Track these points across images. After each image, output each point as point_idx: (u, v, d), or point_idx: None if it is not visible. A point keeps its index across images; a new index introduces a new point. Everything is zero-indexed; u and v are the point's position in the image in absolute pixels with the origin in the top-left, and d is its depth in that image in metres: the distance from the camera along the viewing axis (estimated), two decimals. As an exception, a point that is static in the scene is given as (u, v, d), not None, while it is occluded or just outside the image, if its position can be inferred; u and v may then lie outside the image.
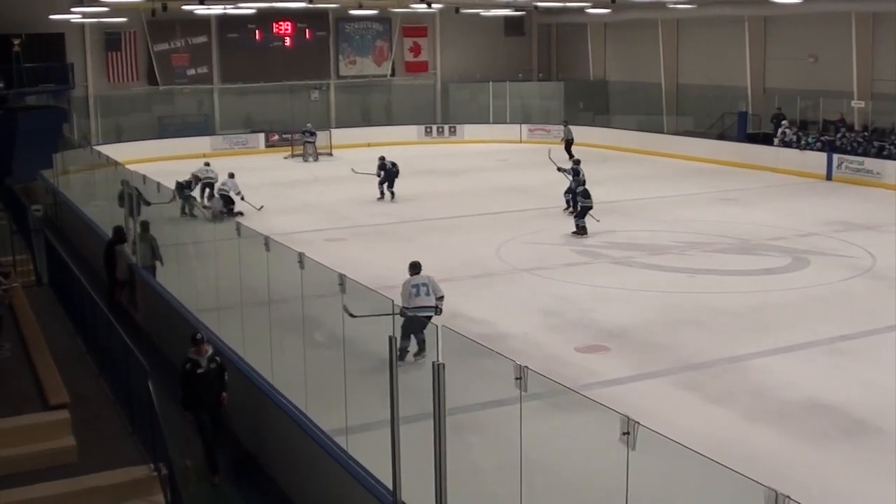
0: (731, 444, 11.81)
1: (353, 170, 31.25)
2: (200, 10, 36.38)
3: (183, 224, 19.17)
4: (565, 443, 9.18)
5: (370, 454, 9.37)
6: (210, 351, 11.47)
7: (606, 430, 6.10)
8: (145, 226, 18.29)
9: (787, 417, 12.89)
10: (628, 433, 5.95)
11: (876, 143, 33.18)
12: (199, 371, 11.33)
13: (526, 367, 7.01)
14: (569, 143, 40.15)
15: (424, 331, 13.67)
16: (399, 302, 13.64)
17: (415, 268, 15.51)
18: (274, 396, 11.35)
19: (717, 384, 14.23)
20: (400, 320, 12.67)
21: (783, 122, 36.80)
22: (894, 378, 14.26)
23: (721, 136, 39.59)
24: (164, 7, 37.01)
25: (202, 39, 44.15)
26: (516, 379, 7.03)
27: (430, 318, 14.34)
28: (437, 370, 7.72)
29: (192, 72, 44.18)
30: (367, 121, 47.65)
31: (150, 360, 11.40)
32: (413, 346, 13.87)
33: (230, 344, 13.08)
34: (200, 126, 44.36)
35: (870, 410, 13.05)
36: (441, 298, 15.07)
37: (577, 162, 28.14)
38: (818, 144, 34.83)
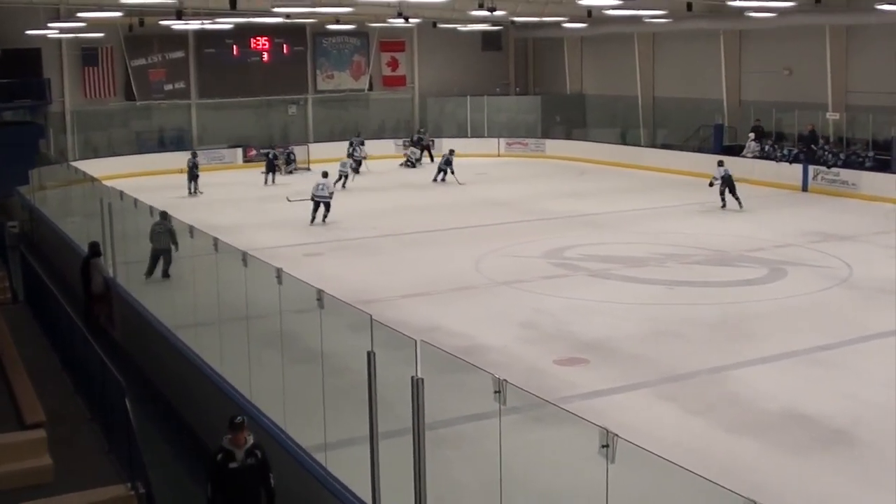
0: (711, 455, 11.79)
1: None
2: (178, 25, 36.28)
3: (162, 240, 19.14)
4: (545, 456, 9.14)
5: (350, 470, 9.31)
6: (251, 441, 9.34)
7: (586, 443, 6.07)
8: (165, 214, 19.43)
9: (766, 428, 12.89)
10: (607, 446, 5.92)
11: (854, 155, 33.41)
12: (233, 465, 9.18)
13: (505, 380, 6.98)
14: (427, 149, 43.59)
15: (326, 215, 28.89)
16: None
17: (325, 175, 29.81)
18: (252, 413, 11.26)
19: (697, 396, 14.22)
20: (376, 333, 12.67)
21: (749, 134, 37.11)
22: (872, 388, 14.30)
23: (698, 149, 39.77)
24: (141, 22, 36.96)
25: (179, 55, 44.03)
26: (495, 392, 6.99)
27: (326, 200, 28.86)
28: (416, 385, 7.67)
29: (169, 87, 44.01)
30: (344, 135, 47.54)
31: (128, 377, 11.30)
32: (319, 217, 28.87)
33: (208, 360, 13.00)
34: (178, 141, 44.23)
35: (848, 420, 13.06)
36: (331, 194, 29.25)
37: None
38: (795, 156, 35.01)
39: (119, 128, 43.24)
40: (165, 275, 19.19)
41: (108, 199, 19.49)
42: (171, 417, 13.97)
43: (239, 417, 9.40)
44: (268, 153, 39.90)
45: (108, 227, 19.25)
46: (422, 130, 45.41)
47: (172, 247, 18.91)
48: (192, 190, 35.84)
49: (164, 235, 19.24)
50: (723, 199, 30.30)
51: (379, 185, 37.30)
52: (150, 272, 19.39)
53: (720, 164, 31.52)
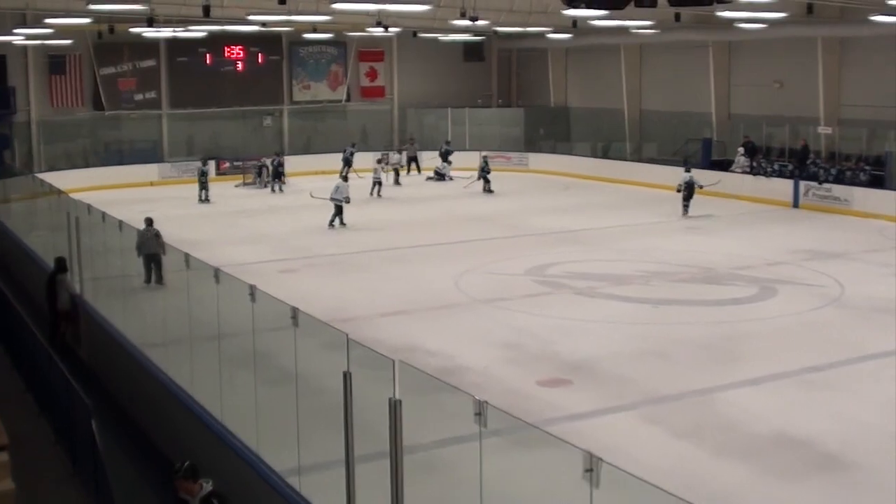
0: (699, 480, 11.81)
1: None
2: (149, 32, 36.21)
3: (130, 255, 19.03)
4: (527, 480, 9.13)
5: (325, 495, 9.28)
6: (208, 488, 8.65)
7: (569, 467, 6.07)
8: (150, 221, 21.92)
9: (756, 452, 12.92)
10: (591, 470, 5.91)
11: (849, 171, 33.54)
12: None
13: (486, 402, 6.97)
14: (411, 160, 44.87)
15: (333, 219, 30.64)
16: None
17: (345, 179, 32.67)
18: (224, 435, 11.22)
19: (684, 418, 14.24)
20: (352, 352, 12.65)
21: (738, 149, 37.25)
22: (866, 410, 14.37)
23: (685, 164, 39.86)
24: (110, 29, 36.80)
25: (150, 63, 43.95)
26: (476, 415, 6.98)
27: (340, 203, 30.49)
28: (394, 406, 7.66)
29: (139, 97, 43.93)
30: (321, 148, 47.49)
31: (94, 398, 11.25)
32: (337, 221, 30.61)
33: (178, 380, 12.94)
34: (148, 153, 44.07)
35: (841, 444, 13.11)
36: (346, 198, 30.68)
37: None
38: (790, 171, 35.12)
39: (87, 138, 43.08)
40: (159, 281, 19.58)
41: (74, 212, 19.41)
42: (140, 440, 13.90)
43: (177, 464, 8.81)
44: (273, 161, 40.89)
45: (74, 242, 19.16)
46: (448, 142, 45.47)
47: (160, 251, 19.83)
48: (203, 197, 37.32)
49: (152, 241, 20.50)
50: (684, 207, 32.43)
51: (358, 199, 37.24)
52: (148, 279, 19.89)
53: (687, 170, 33.53)
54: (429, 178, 43.40)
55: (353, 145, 44.36)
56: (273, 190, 40.06)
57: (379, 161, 40.85)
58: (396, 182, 41.52)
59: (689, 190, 32.57)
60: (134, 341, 15.10)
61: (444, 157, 44.04)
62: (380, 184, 38.29)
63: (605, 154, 44.89)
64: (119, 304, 17.50)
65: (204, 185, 37.43)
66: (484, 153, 40.84)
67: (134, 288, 18.12)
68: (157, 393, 13.47)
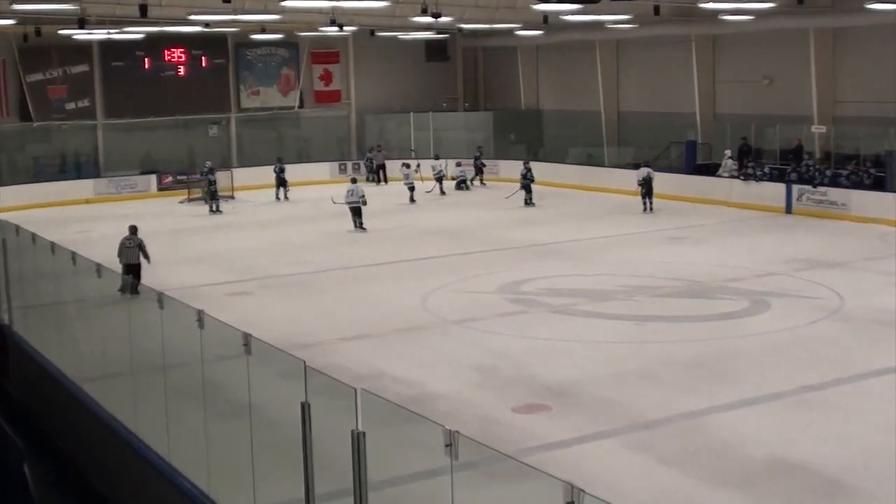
0: (690, 511, 11.85)
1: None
2: (80, 34, 36.09)
3: (64, 280, 18.92)
4: (503, 517, 9.15)
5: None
6: None
7: (549, 501, 6.09)
8: (133, 229, 23.38)
9: (750, 479, 12.96)
10: (573, 503, 5.94)
11: (853, 174, 33.66)
12: None
13: (457, 432, 6.99)
14: (380, 167, 46.29)
15: (359, 221, 32.73)
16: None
17: (353, 181, 34.13)
18: (171, 475, 11.17)
19: (672, 444, 14.28)
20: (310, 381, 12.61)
21: (725, 151, 37.44)
22: (868, 431, 14.43)
23: (668, 169, 40.11)
24: (37, 31, 36.64)
25: (83, 68, 43.80)
26: (446, 446, 6.99)
27: (357, 205, 32.62)
28: (357, 439, 7.66)
29: (71, 105, 43.76)
30: (273, 158, 47.40)
31: (27, 438, 11.17)
32: (356, 226, 32.48)
33: (119, 417, 12.87)
34: (82, 168, 43.87)
35: (843, 468, 13.16)
36: (361, 198, 32.70)
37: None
38: (787, 174, 35.30)
39: (13, 152, 42.85)
40: (135, 291, 19.35)
41: (1, 234, 19.31)
42: (78, 484, 13.81)
43: None
44: (275, 168, 42.17)
45: (1, 267, 19.06)
46: (480, 149, 45.70)
47: (144, 261, 22.70)
48: (214, 208, 38.74)
49: (134, 250, 22.77)
50: (643, 203, 35.40)
51: (312, 215, 37.22)
52: (123, 289, 19.57)
53: (647, 165, 36.50)
54: (456, 189, 43.46)
55: (371, 151, 46.67)
56: (278, 198, 41.49)
57: (408, 166, 41.22)
58: (442, 191, 41.93)
59: (647, 185, 35.16)
60: (70, 375, 15.02)
61: (475, 163, 44.89)
62: (412, 189, 39.54)
63: (582, 160, 45.00)
64: (53, 335, 17.38)
65: (213, 196, 38.66)
66: (525, 159, 40.55)
67: (70, 317, 17.99)
68: (96, 431, 13.39)
